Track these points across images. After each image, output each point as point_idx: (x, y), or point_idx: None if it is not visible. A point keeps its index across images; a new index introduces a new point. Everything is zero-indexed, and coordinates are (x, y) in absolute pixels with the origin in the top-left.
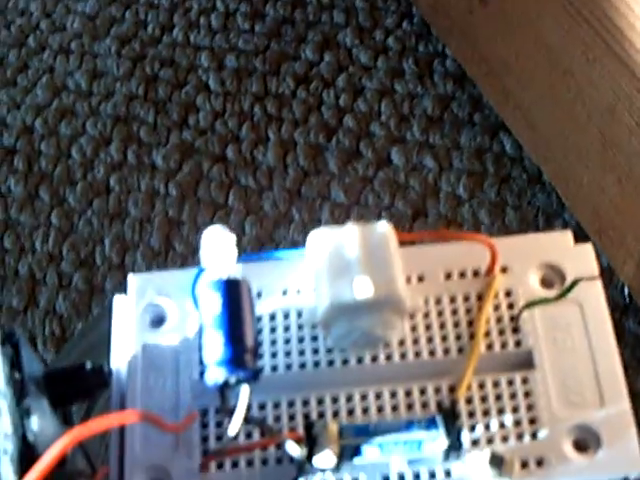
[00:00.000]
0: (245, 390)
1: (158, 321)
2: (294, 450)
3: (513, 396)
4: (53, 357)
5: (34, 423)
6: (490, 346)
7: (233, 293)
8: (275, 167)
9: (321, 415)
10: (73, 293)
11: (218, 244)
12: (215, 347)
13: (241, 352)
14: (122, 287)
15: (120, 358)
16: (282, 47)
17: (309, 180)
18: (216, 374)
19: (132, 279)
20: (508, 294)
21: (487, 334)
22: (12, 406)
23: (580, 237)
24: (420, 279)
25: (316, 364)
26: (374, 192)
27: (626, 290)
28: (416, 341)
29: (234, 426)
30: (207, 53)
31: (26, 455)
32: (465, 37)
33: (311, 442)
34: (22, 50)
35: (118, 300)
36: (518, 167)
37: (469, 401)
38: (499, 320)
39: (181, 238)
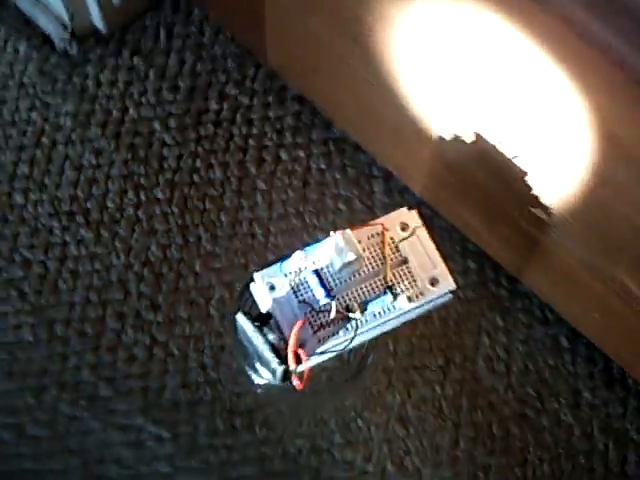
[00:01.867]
0: (334, 303)
1: (273, 288)
2: (354, 315)
3: (407, 275)
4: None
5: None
6: (392, 259)
7: (319, 275)
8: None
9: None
10: None
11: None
12: (319, 292)
13: (328, 293)
14: None
15: (266, 306)
16: None
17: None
18: (324, 300)
19: (257, 275)
20: (392, 238)
21: (390, 256)
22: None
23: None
24: (359, 241)
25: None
26: None
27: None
28: (366, 263)
29: (332, 314)
30: None
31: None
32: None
33: (348, 312)
34: None
35: (253, 284)
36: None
37: (391, 281)
38: (391, 249)
39: None
